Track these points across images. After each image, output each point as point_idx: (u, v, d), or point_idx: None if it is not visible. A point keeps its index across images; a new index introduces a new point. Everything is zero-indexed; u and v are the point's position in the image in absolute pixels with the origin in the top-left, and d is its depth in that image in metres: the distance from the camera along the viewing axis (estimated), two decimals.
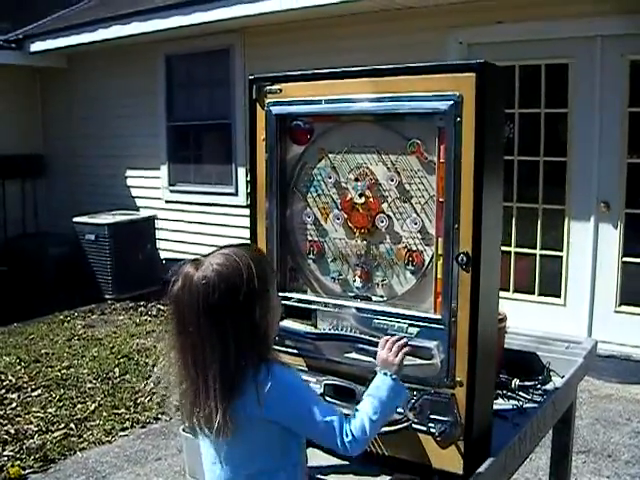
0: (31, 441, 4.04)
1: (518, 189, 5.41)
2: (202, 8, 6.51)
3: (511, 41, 5.26)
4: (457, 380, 1.67)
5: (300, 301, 1.94)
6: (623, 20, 4.77)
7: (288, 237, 1.98)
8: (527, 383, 2.15)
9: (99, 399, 4.65)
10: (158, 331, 6.12)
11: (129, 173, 8.38)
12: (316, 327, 1.91)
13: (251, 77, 1.97)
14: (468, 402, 1.67)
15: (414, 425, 1.73)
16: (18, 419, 4.34)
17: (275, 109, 1.91)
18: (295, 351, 1.92)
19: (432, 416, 1.70)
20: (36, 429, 4.20)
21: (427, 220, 1.74)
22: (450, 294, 1.66)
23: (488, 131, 1.61)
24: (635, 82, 4.85)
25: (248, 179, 5.99)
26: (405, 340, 1.69)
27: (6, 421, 4.31)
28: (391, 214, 1.79)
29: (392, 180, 1.77)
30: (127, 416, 4.41)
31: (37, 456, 3.86)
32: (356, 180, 1.84)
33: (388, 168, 1.78)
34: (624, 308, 5.00)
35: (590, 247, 5.09)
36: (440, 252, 1.69)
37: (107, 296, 7.44)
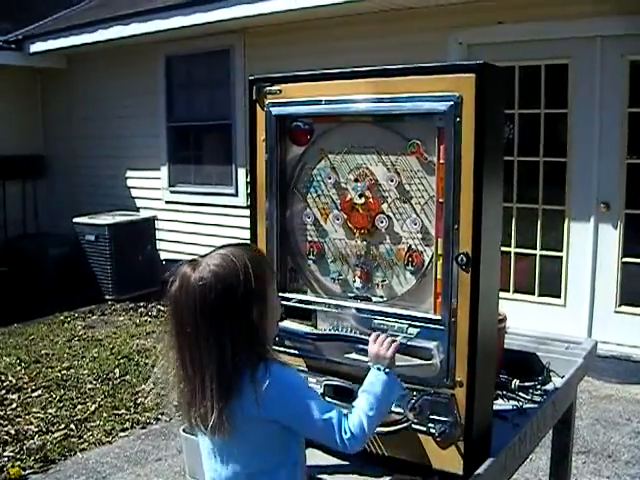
0: (31, 442, 4.04)
1: (518, 189, 5.41)
2: (202, 9, 6.52)
3: (511, 41, 5.26)
4: (457, 380, 1.67)
5: (300, 302, 1.94)
6: (623, 20, 4.78)
7: (288, 238, 1.98)
8: (527, 383, 2.15)
9: (99, 400, 4.66)
10: (158, 332, 6.11)
11: (129, 174, 8.39)
12: (316, 327, 1.91)
13: (251, 78, 1.97)
14: (468, 402, 1.67)
15: (414, 425, 1.73)
16: (18, 420, 4.35)
17: (275, 110, 1.91)
18: (295, 352, 1.92)
19: (432, 416, 1.70)
20: (36, 430, 4.20)
21: (427, 220, 1.74)
22: (450, 294, 1.66)
23: (488, 132, 1.61)
24: (635, 82, 4.85)
25: (248, 180, 5.99)
26: (395, 338, 1.69)
27: (6, 422, 4.31)
28: (391, 214, 1.79)
29: (392, 180, 1.77)
30: (127, 417, 4.41)
31: (37, 457, 3.86)
32: (356, 181, 1.84)
33: (388, 169, 1.78)
34: (624, 308, 5.00)
35: (590, 247, 5.10)
36: (440, 252, 1.69)
37: (107, 297, 7.45)
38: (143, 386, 4.86)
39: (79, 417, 4.39)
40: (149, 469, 3.78)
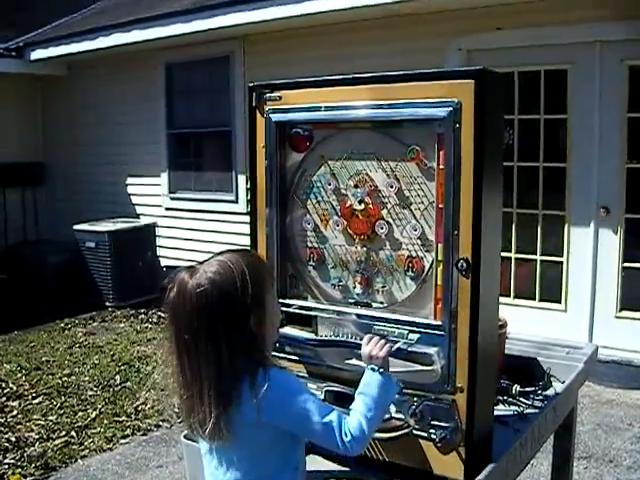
0: (32, 449, 4.03)
1: (518, 195, 5.41)
2: (202, 16, 6.53)
3: (510, 47, 5.27)
4: (458, 386, 1.67)
5: (301, 308, 1.94)
6: (622, 25, 4.79)
7: (288, 244, 1.98)
8: (528, 389, 2.15)
9: (100, 406, 4.65)
10: (159, 338, 6.11)
11: (129, 180, 8.40)
12: (317, 334, 1.91)
13: (251, 84, 1.98)
14: (469, 408, 1.67)
15: (415, 431, 1.73)
16: (19, 427, 4.34)
17: (275, 116, 1.92)
18: (296, 358, 1.93)
19: (433, 422, 1.70)
20: (37, 437, 4.19)
21: (427, 226, 1.74)
22: (450, 300, 1.66)
23: (487, 137, 1.62)
24: (634, 87, 4.86)
25: (248, 186, 5.99)
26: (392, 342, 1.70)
27: (7, 429, 4.30)
28: (391, 220, 1.80)
29: (392, 186, 1.78)
30: (128, 423, 4.40)
31: (38, 464, 3.85)
32: (356, 187, 1.84)
33: (388, 175, 1.79)
34: (625, 313, 4.99)
35: (590, 252, 5.09)
36: (440, 258, 1.69)
37: (108, 303, 7.44)
38: (144, 392, 4.86)
39: (80, 424, 4.38)
40: (150, 476, 3.78)
